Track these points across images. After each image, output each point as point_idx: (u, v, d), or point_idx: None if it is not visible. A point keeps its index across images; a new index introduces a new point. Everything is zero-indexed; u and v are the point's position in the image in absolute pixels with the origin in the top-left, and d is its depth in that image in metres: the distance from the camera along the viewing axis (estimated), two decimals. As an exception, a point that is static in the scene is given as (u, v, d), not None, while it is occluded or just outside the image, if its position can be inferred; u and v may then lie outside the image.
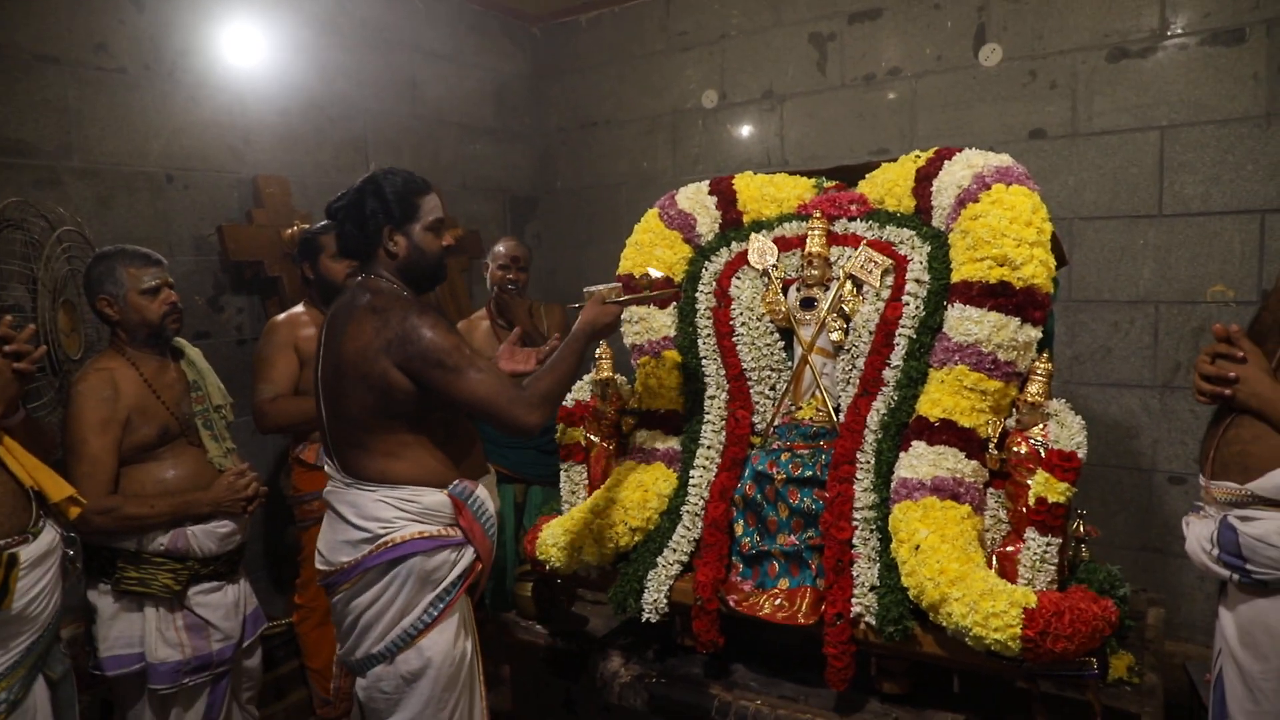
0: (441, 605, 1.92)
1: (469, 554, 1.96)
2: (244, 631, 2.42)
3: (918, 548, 1.94)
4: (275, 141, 3.59)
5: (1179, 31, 3.14)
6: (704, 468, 2.42)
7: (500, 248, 3.28)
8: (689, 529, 2.37)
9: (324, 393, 1.94)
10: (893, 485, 2.11)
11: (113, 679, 2.24)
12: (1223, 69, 3.08)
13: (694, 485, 2.40)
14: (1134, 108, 3.24)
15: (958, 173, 2.22)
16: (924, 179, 2.32)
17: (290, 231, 3.39)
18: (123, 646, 2.23)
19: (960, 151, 2.29)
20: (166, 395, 2.30)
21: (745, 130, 4.19)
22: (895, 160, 2.50)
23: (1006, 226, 2.04)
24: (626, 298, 2.14)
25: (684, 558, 2.35)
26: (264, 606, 2.63)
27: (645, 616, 2.30)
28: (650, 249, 2.62)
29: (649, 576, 2.32)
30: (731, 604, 2.25)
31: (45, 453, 1.99)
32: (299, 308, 2.84)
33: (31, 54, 2.81)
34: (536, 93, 4.87)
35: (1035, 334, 2.06)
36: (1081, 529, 2.09)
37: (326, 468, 2.00)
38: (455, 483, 1.95)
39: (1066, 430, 1.96)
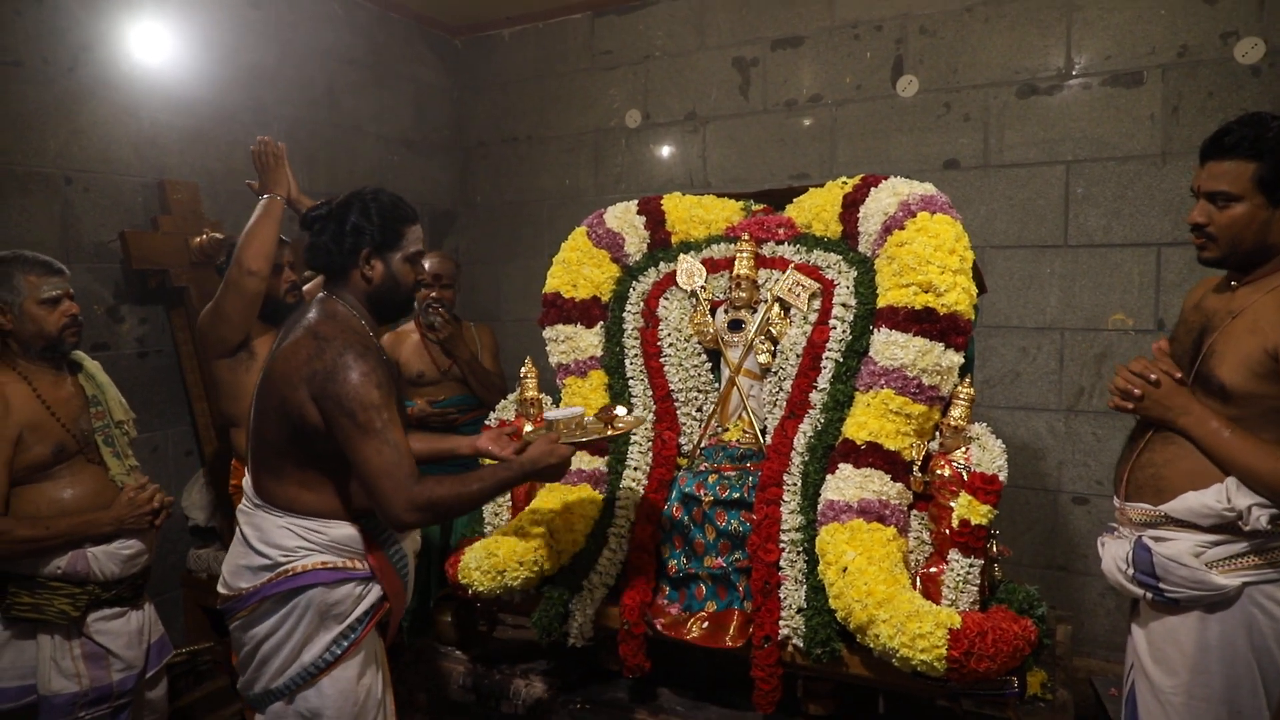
0: (345, 643, 1.80)
1: (375, 590, 1.84)
2: (148, 660, 2.28)
3: (845, 570, 1.96)
4: (184, 145, 3.43)
5: (1083, 72, 3.30)
6: (630, 489, 2.40)
7: (424, 263, 3.20)
8: (615, 551, 2.35)
9: (254, 406, 1.84)
10: (819, 507, 2.13)
11: None
12: (1122, 109, 3.25)
13: (620, 507, 2.38)
14: (1041, 142, 3.38)
15: (884, 200, 2.28)
16: (851, 205, 2.37)
17: (199, 240, 3.25)
18: (12, 678, 2.07)
19: (886, 179, 2.35)
20: (62, 411, 2.16)
21: (668, 151, 4.21)
22: (822, 186, 2.54)
23: (931, 254, 2.10)
24: (583, 440, 2.00)
25: (610, 581, 2.33)
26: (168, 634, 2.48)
27: (571, 641, 2.27)
28: (578, 267, 2.61)
29: (574, 601, 2.29)
30: (659, 628, 2.23)
31: None
32: None
33: (-85, 44, 2.63)
34: (457, 105, 4.80)
35: (958, 359, 2.11)
36: (995, 549, 2.13)
37: (244, 483, 1.90)
38: (369, 517, 1.83)
39: (988, 454, 2.01)
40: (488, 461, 2.18)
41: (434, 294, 3.11)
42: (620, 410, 2.18)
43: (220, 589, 1.86)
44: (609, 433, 2.03)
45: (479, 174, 4.77)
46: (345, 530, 1.80)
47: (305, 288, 2.77)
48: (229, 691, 3.12)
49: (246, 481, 1.88)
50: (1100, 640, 3.39)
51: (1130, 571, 1.75)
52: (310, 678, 1.78)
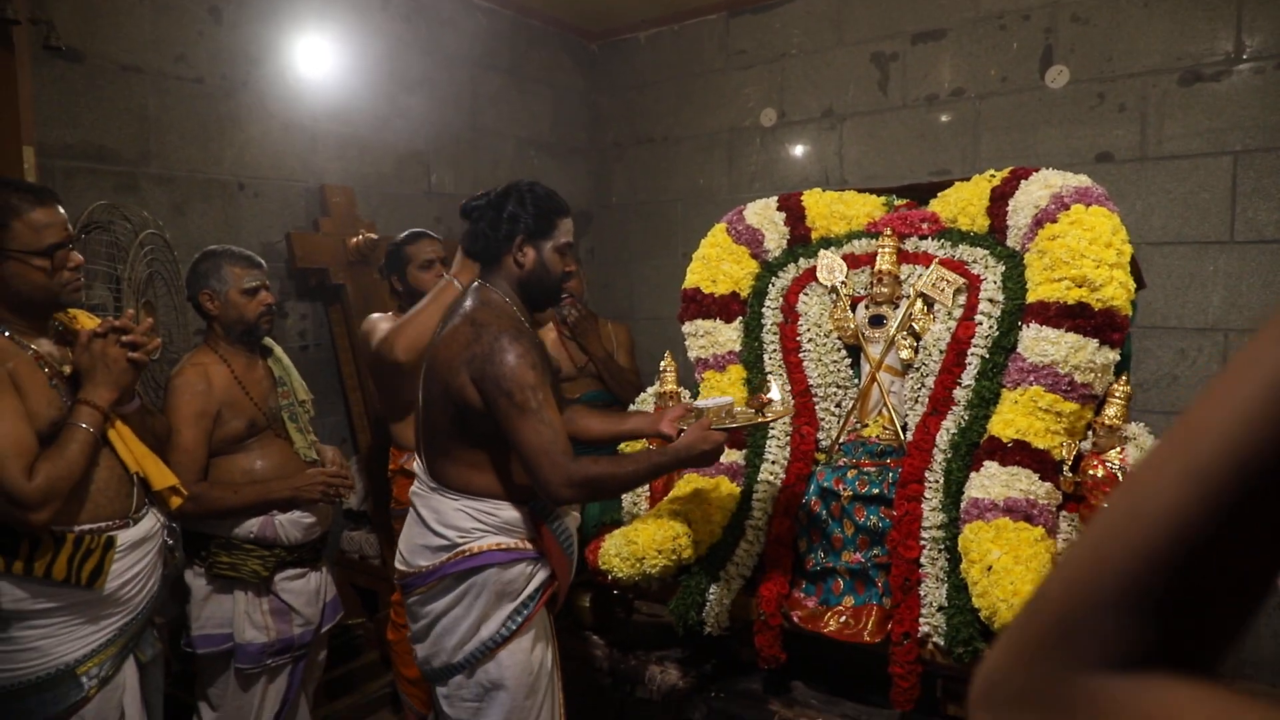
0: (520, 619, 1.93)
1: (545, 569, 1.97)
2: (323, 617, 2.50)
3: (990, 568, 1.94)
4: (340, 151, 3.68)
5: (1255, 55, 3.12)
6: (768, 482, 2.43)
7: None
8: (752, 544, 2.38)
9: (422, 394, 1.98)
10: (963, 505, 2.10)
11: (201, 656, 2.33)
12: (1299, 94, 3.06)
13: (758, 500, 2.41)
14: (1206, 132, 3.22)
15: (1035, 192, 2.23)
16: (999, 198, 2.33)
17: (355, 240, 3.47)
18: (214, 626, 2.31)
19: (1037, 171, 2.30)
20: (254, 391, 2.38)
21: (803, 149, 4.21)
22: (966, 180, 2.51)
23: (1086, 247, 2.05)
24: (735, 425, 2.01)
25: (747, 572, 2.36)
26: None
27: (707, 630, 2.32)
28: (717, 263, 2.65)
29: (711, 590, 2.33)
30: (795, 620, 2.25)
31: (157, 442, 2.07)
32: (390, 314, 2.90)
33: (117, 64, 2.91)
34: (593, 108, 4.94)
35: (1113, 356, 2.05)
36: None
37: (414, 467, 2.04)
38: (535, 497, 1.96)
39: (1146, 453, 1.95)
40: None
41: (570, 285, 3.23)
42: (774, 394, 2.17)
43: (399, 565, 2.01)
44: (759, 420, 2.04)
45: (614, 175, 4.88)
46: (514, 512, 1.92)
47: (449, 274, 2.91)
48: (380, 665, 3.33)
49: (418, 465, 2.01)
50: (1265, 664, 3.18)
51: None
52: (488, 651, 1.91)
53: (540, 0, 4.36)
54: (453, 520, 1.90)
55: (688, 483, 2.50)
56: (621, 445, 2.54)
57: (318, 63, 3.54)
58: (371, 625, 3.42)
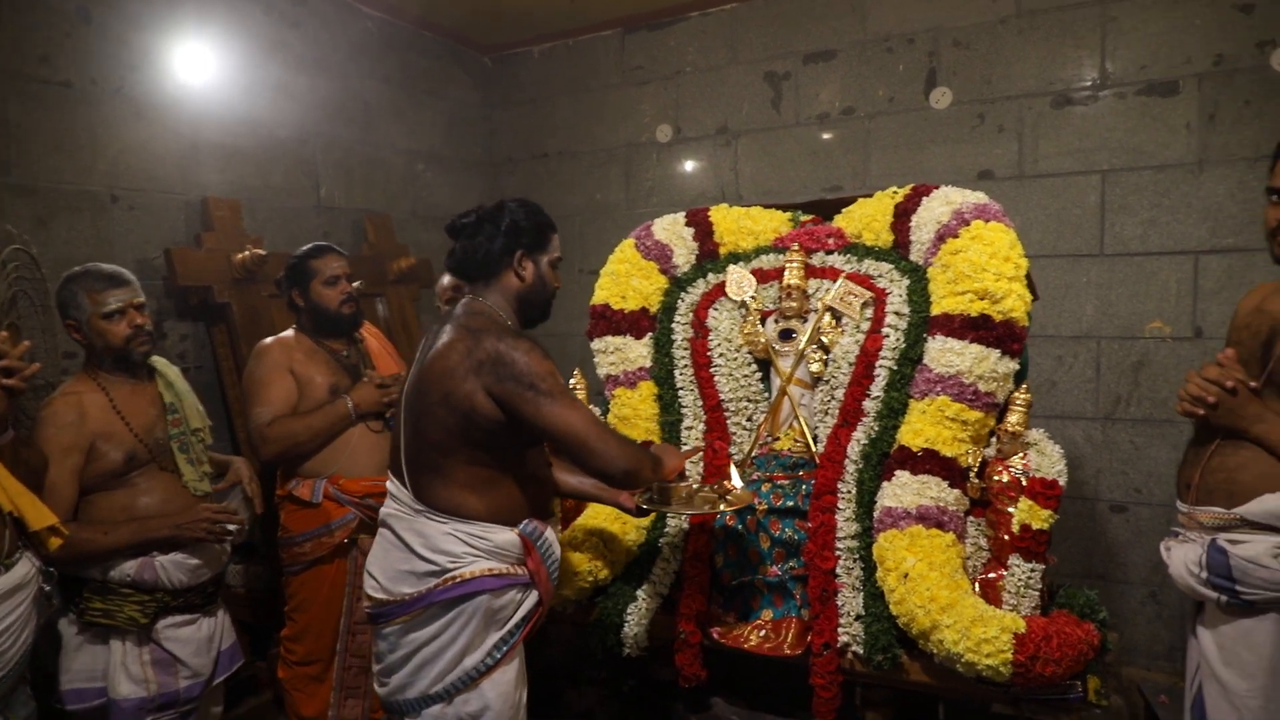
0: (505, 647, 1.84)
1: (533, 596, 1.89)
2: (216, 667, 2.31)
3: (906, 576, 1.97)
4: (224, 162, 3.49)
5: (1117, 82, 3.32)
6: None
7: (444, 280, 3.23)
8: (669, 561, 2.36)
9: (406, 412, 1.88)
10: (876, 514, 2.14)
11: (72, 714, 2.11)
12: (1158, 118, 3.27)
13: (673, 517, 2.39)
14: (1076, 152, 3.40)
15: (936, 209, 2.30)
16: (902, 214, 2.39)
17: (242, 256, 3.29)
18: (85, 680, 2.11)
19: (937, 189, 2.38)
20: (136, 420, 2.20)
21: (699, 165, 4.24)
22: (860, 197, 2.58)
23: (987, 261, 2.12)
24: (693, 511, 2.05)
25: (664, 590, 2.34)
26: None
27: (625, 651, 2.28)
28: (626, 279, 2.63)
29: (628, 610, 2.30)
30: (715, 636, 2.24)
31: (33, 477, 1.88)
32: (288, 333, 2.73)
33: (-31, 65, 2.68)
34: (489, 122, 4.85)
35: (1014, 365, 2.13)
36: None
37: (391, 488, 1.92)
38: (526, 522, 1.88)
39: (1047, 459, 2.03)
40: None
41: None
42: (735, 482, 2.16)
43: (374, 593, 1.87)
44: (721, 509, 2.05)
45: (509, 190, 4.81)
46: (507, 535, 1.85)
47: (267, 340, 2.78)
48: (273, 706, 3.14)
49: (393, 486, 1.91)
50: (1141, 649, 3.37)
51: (1204, 575, 1.76)
52: (471, 681, 1.81)
53: (432, 11, 4.26)
54: (442, 545, 1.81)
55: (601, 504, 2.46)
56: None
57: (199, 69, 3.35)
58: (263, 665, 3.22)
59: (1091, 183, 3.39)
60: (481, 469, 1.83)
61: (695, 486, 2.14)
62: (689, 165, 4.27)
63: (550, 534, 1.94)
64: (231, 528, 2.22)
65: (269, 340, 2.69)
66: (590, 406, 2.56)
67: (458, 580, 1.80)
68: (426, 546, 1.82)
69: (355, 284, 2.76)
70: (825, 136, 3.90)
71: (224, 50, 3.45)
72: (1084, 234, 3.42)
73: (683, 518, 2.32)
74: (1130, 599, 3.40)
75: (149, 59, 3.18)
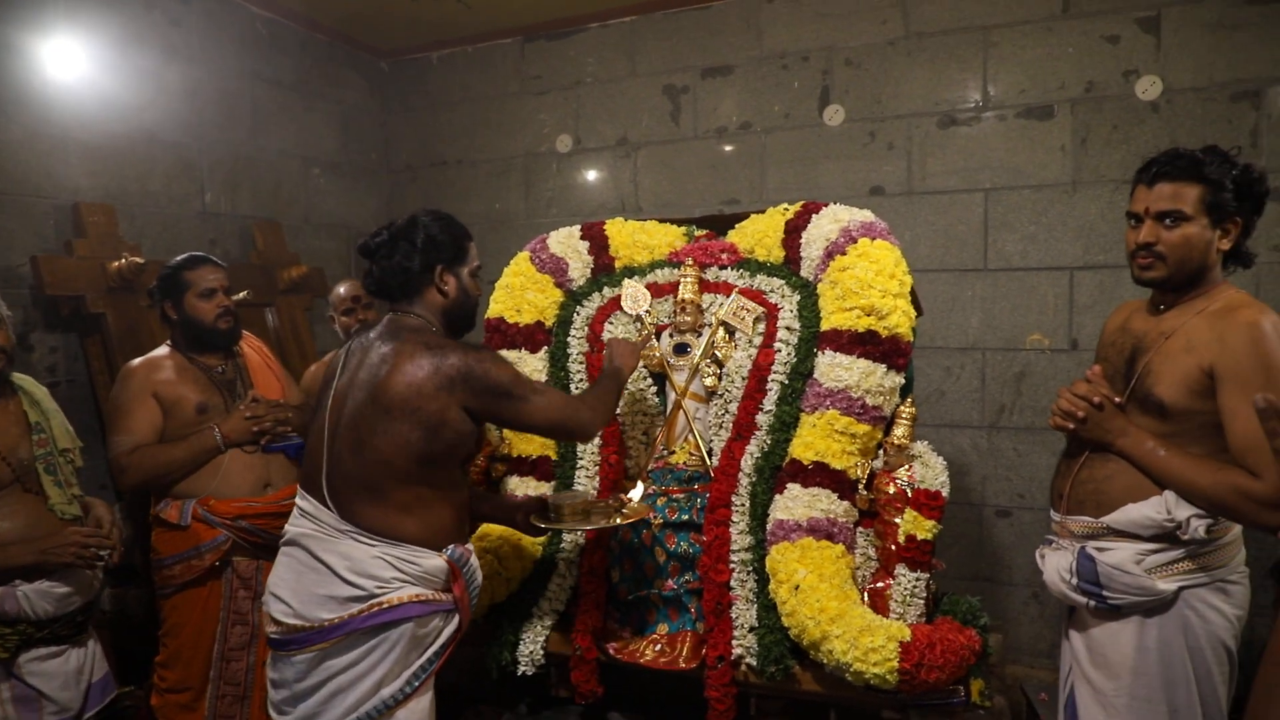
0: (424, 675, 1.79)
1: (455, 622, 1.85)
2: (87, 700, 2.17)
3: (797, 587, 2.00)
4: (98, 166, 3.31)
5: (998, 105, 3.46)
6: (580, 510, 2.40)
7: (340, 290, 3.16)
8: (564, 577, 2.35)
9: (345, 429, 1.81)
10: (769, 527, 2.17)
11: None
12: (1035, 140, 3.42)
13: (583, 534, 2.37)
14: (961, 170, 3.53)
15: (825, 226, 2.35)
16: (793, 231, 2.43)
17: (117, 264, 3.12)
18: None
19: (827, 206, 2.43)
20: None
21: (599, 176, 4.24)
22: (756, 212, 2.61)
23: (873, 279, 2.17)
24: (590, 527, 2.08)
25: (560, 607, 2.33)
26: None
27: (521, 670, 2.25)
28: (521, 292, 2.61)
29: (524, 628, 2.28)
30: (611, 652, 2.24)
31: None
32: (161, 350, 2.59)
33: None
34: (384, 129, 4.75)
35: (899, 380, 2.19)
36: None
37: (305, 506, 1.84)
38: (453, 547, 1.84)
39: (931, 470, 2.09)
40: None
41: (361, 317, 3.10)
42: (635, 492, 2.20)
43: (284, 619, 1.77)
44: (616, 521, 2.08)
45: (406, 198, 4.72)
46: (436, 561, 1.81)
47: (134, 362, 2.66)
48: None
49: (310, 505, 1.83)
50: (1025, 647, 3.51)
51: (1074, 581, 1.84)
52: (386, 710, 1.76)
53: (321, 12, 4.14)
54: (370, 569, 1.74)
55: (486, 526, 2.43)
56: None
57: (71, 65, 3.17)
58: (140, 693, 3.06)
59: (976, 200, 3.52)
60: (422, 489, 1.81)
61: (592, 500, 2.15)
62: (589, 176, 4.27)
63: (474, 559, 1.92)
64: (104, 552, 2.10)
65: (135, 362, 2.56)
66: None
67: (384, 606, 1.74)
68: (352, 570, 1.75)
69: (238, 295, 2.66)
70: (723, 150, 3.95)
71: (98, 46, 3.28)
72: (969, 249, 3.54)
73: (579, 534, 2.31)
74: (1014, 599, 3.54)
75: (14, 54, 3.00)
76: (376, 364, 1.82)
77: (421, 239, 1.90)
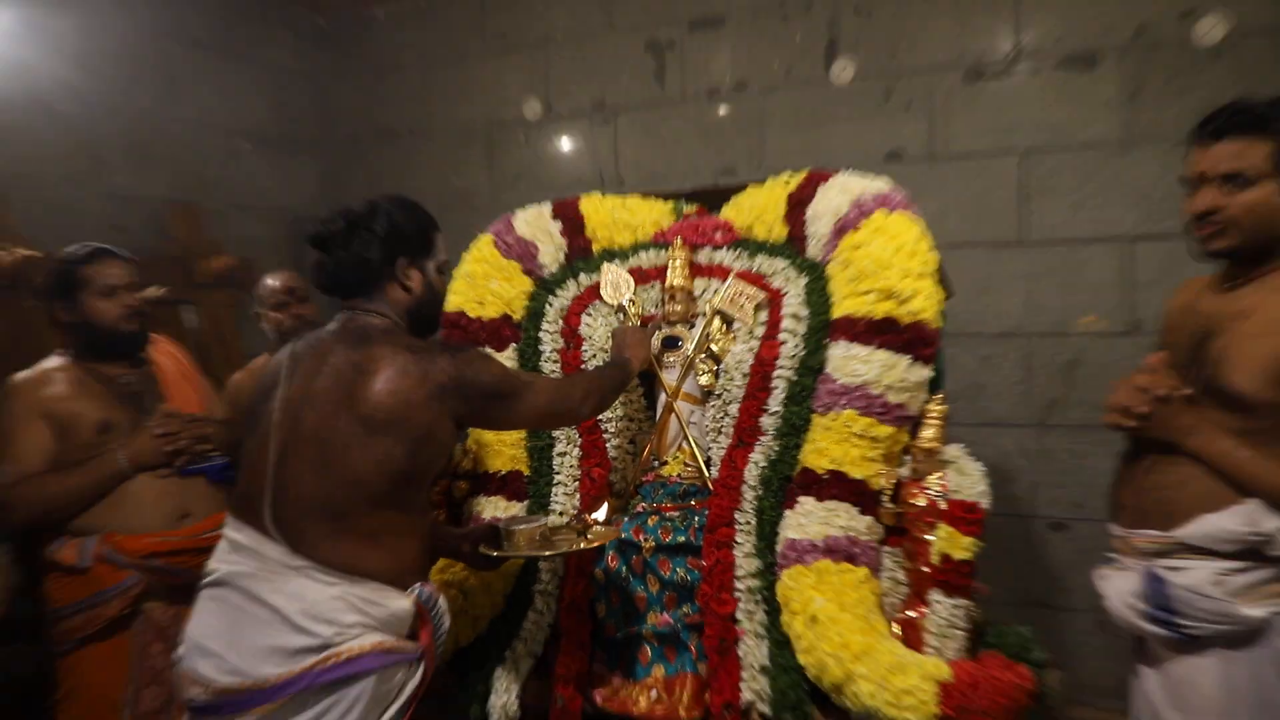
0: None
1: (419, 674, 1.81)
2: None
3: (814, 619, 1.98)
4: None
5: (1032, 54, 3.43)
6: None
7: (270, 281, 3.11)
8: (542, 613, 2.32)
9: (300, 446, 1.76)
10: (779, 548, 2.15)
11: None
12: (1077, 94, 3.39)
13: (545, 561, 2.35)
14: (992, 130, 3.50)
15: (834, 199, 2.34)
16: (797, 205, 2.42)
17: (7, 258, 3.08)
18: None
19: (835, 175, 2.42)
20: None
21: (574, 145, 4.22)
22: (755, 183, 2.60)
23: (891, 257, 2.16)
24: (553, 553, 2.08)
25: (538, 649, 2.30)
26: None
27: (493, 722, 2.22)
28: (484, 281, 2.59)
29: (496, 674, 2.25)
30: (598, 701, 2.21)
31: None
32: (51, 361, 2.53)
33: None
34: (324, 94, 4.71)
35: (926, 373, 2.17)
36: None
37: (242, 540, 1.76)
38: (418, 586, 1.82)
39: (967, 478, 2.06)
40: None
41: (295, 312, 3.06)
42: (600, 512, 2.21)
43: (218, 678, 1.67)
44: (580, 545, 2.07)
45: (351, 175, 4.69)
46: (403, 603, 1.78)
47: (18, 377, 2.59)
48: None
49: (250, 538, 1.75)
50: (1089, 686, 3.45)
51: (1143, 607, 1.80)
52: None
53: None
54: (328, 611, 1.67)
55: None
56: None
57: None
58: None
59: (1009, 164, 3.49)
60: (393, 514, 1.79)
61: (552, 523, 2.16)
62: (562, 146, 4.25)
63: (443, 600, 1.90)
64: None
65: (20, 376, 2.49)
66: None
67: (342, 658, 1.66)
68: (306, 614, 1.67)
69: (148, 292, 2.61)
70: (716, 114, 3.92)
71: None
72: (1004, 220, 3.51)
73: (554, 559, 2.29)
74: (1074, 628, 3.49)
75: None
76: (345, 370, 1.79)
77: (383, 227, 1.91)
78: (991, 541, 3.52)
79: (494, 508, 2.45)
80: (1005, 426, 3.56)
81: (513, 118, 4.32)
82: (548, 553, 2.05)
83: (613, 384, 2.16)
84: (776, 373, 2.29)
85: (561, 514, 2.40)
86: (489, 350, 2.54)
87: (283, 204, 4.54)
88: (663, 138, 4.03)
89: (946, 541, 2.00)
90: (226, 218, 4.22)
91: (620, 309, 2.54)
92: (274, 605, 1.69)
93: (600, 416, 2.48)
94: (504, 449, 2.48)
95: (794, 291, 2.35)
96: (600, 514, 2.20)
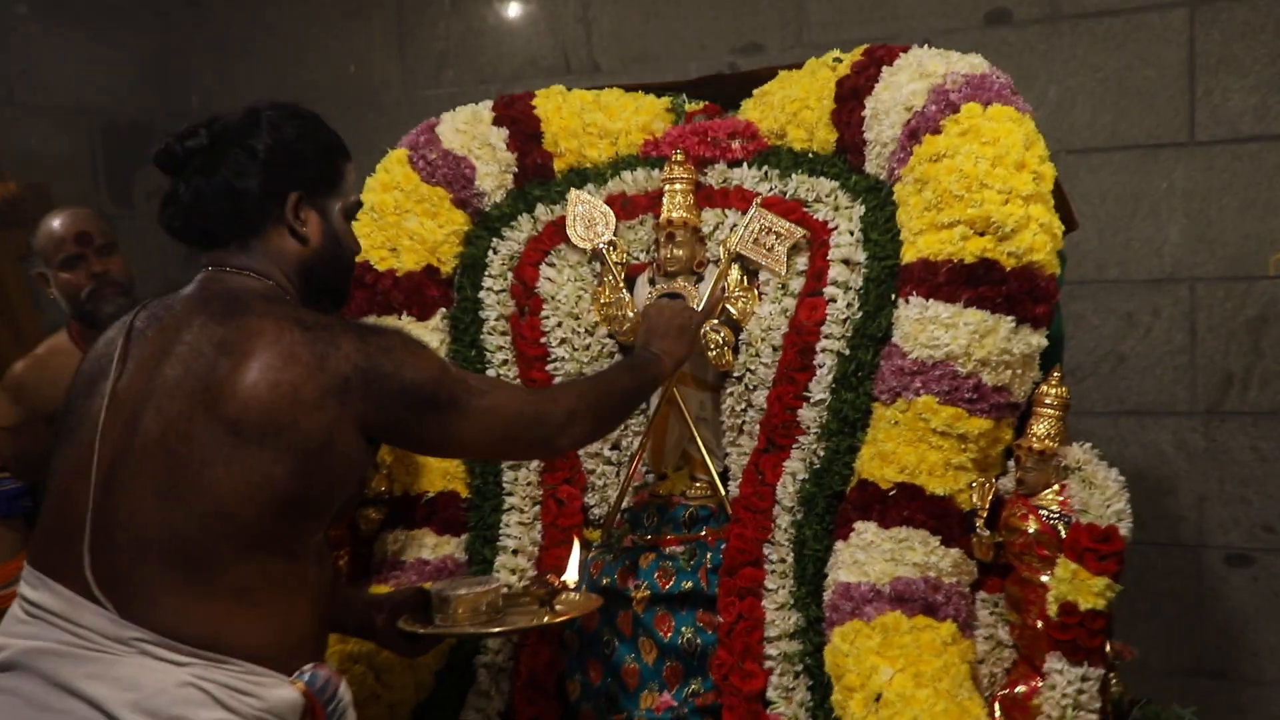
0: None
1: None
2: None
3: (879, 697, 2.04)
4: None
5: None
6: (510, 587, 2.45)
7: (55, 225, 3.15)
8: (489, 696, 2.41)
9: (135, 463, 1.77)
10: (827, 597, 2.22)
11: None
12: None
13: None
14: (1144, -28, 3.55)
15: (905, 86, 2.37)
16: (850, 96, 2.46)
17: None
18: None
19: (905, 51, 2.45)
20: None
21: (525, 10, 4.27)
22: (796, 66, 2.64)
23: (988, 172, 2.18)
24: (506, 630, 2.13)
25: (486, 745, 2.38)
26: None
27: None
28: (397, 218, 2.65)
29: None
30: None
31: None
32: None
33: None
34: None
35: (1039, 341, 2.22)
36: (1109, 648, 2.19)
37: (43, 599, 1.75)
38: (309, 668, 1.81)
39: (1099, 492, 2.12)
40: None
41: (95, 269, 3.11)
42: (571, 574, 2.21)
43: None
44: (547, 621, 2.08)
45: (195, 59, 4.71)
46: (285, 692, 1.76)
47: None
48: None
49: (55, 601, 1.74)
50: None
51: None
52: None
53: None
54: (174, 706, 1.67)
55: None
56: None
57: None
58: None
59: (1174, 21, 3.50)
60: (274, 561, 1.79)
61: (502, 585, 2.16)
62: (507, 13, 4.29)
63: (344, 687, 1.90)
64: None
65: None
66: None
67: None
68: (140, 709, 1.67)
69: None
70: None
71: None
72: (1162, 109, 3.54)
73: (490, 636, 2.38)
74: (1269, 708, 3.56)
75: None
76: (206, 352, 1.79)
77: (267, 146, 1.91)
78: (1138, 583, 3.59)
79: (418, 545, 2.53)
80: (1158, 415, 3.61)
81: (432, -31, 4.38)
82: (496, 630, 2.08)
83: (623, 397, 2.19)
84: (821, 344, 2.34)
85: (516, 552, 2.49)
86: (403, 319, 2.60)
87: (90, 102, 4.57)
88: (655, -2, 4.09)
89: (1069, 584, 2.03)
90: (2, 120, 4.30)
91: (595, 255, 2.59)
92: (93, 698, 1.67)
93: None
94: (432, 462, 2.56)
95: (845, 226, 2.40)
96: (570, 573, 2.20)
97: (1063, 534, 2.12)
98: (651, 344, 2.27)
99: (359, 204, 2.09)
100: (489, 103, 2.78)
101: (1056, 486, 2.19)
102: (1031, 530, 2.17)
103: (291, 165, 1.93)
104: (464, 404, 1.89)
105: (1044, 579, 2.13)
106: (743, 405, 2.46)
